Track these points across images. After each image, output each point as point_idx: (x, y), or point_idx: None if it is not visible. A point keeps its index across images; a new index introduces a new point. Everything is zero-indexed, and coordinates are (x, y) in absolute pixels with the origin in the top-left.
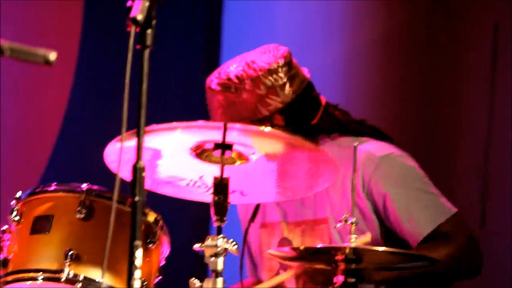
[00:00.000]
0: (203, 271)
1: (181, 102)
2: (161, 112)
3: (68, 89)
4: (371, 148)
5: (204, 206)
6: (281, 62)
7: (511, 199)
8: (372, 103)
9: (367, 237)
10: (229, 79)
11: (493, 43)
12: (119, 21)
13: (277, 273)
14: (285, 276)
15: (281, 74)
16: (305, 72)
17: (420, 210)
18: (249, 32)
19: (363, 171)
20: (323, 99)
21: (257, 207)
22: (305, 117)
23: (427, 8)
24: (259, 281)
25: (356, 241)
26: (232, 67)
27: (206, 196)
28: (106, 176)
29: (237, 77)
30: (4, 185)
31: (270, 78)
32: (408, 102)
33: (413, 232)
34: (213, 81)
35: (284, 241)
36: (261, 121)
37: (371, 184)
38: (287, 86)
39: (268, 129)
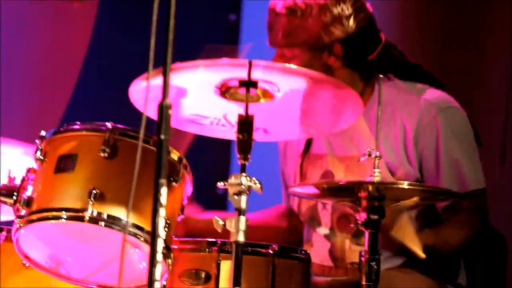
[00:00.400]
0: (223, 210)
1: (205, 41)
2: (184, 51)
3: (90, 27)
4: (431, 97)
5: (225, 145)
6: None
7: None
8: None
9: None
10: (295, 3)
11: None
12: None
13: (314, 206)
14: None
15: (348, 5)
16: (369, 6)
17: (464, 167)
18: None
19: (420, 119)
20: (383, 37)
21: (308, 141)
22: (364, 50)
23: None
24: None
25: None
26: None
27: (230, 134)
28: (129, 114)
29: (304, 2)
30: (28, 123)
31: (338, 7)
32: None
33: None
34: (278, 3)
35: (327, 174)
36: (321, 48)
37: (424, 134)
38: (352, 17)
39: (293, 66)
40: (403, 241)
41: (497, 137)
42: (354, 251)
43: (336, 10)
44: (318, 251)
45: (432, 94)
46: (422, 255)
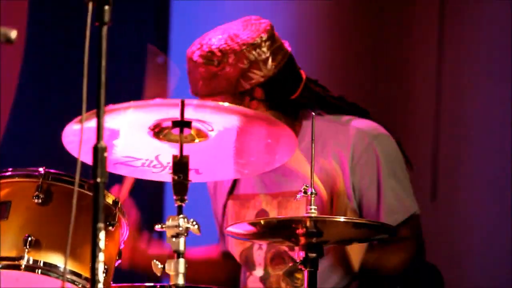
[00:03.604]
0: None
1: (134, 83)
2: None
3: (17, 70)
4: (361, 125)
5: (158, 187)
6: (264, 36)
7: (460, 173)
8: (323, 71)
9: None
10: (211, 52)
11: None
12: None
13: (250, 247)
14: None
15: (264, 49)
16: (287, 45)
17: (399, 194)
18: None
19: (354, 148)
20: (304, 74)
21: (235, 180)
22: (286, 91)
23: None
24: (228, 254)
25: None
26: (214, 39)
27: (162, 175)
28: (58, 159)
29: (220, 50)
30: None
31: (254, 52)
32: (357, 75)
33: (384, 216)
34: (195, 52)
35: (261, 213)
36: (241, 94)
37: (360, 163)
38: (270, 60)
39: (226, 104)
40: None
41: (426, 170)
42: None
43: (253, 56)
44: None
45: (361, 122)
46: (356, 268)
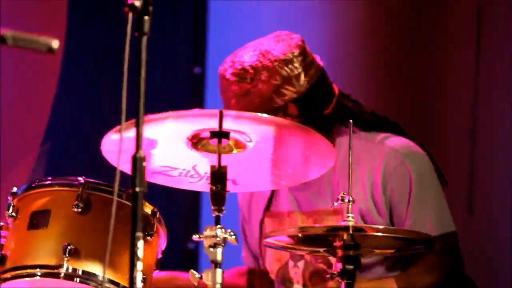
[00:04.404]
0: (194, 265)
1: (170, 94)
2: (149, 104)
3: (55, 79)
4: (395, 144)
5: (194, 197)
6: (296, 51)
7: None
8: (358, 85)
9: None
10: (244, 69)
11: (477, 24)
12: (106, 9)
13: (285, 264)
14: None
15: (296, 64)
16: (318, 59)
17: (431, 212)
18: (236, 17)
19: (386, 166)
20: (336, 88)
21: (272, 196)
22: (319, 106)
23: None
24: (264, 271)
25: None
26: (246, 56)
27: (198, 185)
28: (97, 168)
29: (252, 67)
30: None
31: (286, 68)
32: (394, 86)
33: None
34: (227, 70)
35: None
36: (275, 110)
37: (391, 180)
38: (302, 76)
39: (264, 114)
40: None
41: (463, 184)
42: None
43: (285, 72)
44: None
45: (395, 141)
46: None
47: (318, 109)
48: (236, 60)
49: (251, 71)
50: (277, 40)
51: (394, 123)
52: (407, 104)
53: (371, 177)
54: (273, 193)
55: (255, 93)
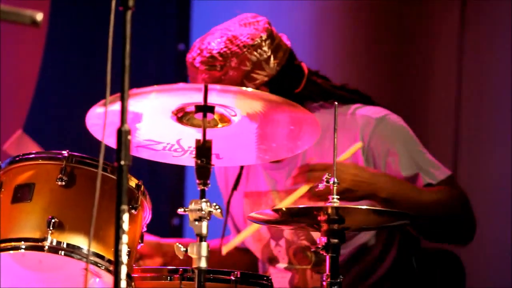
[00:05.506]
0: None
1: (155, 71)
2: (133, 80)
3: (40, 54)
4: (367, 112)
5: (178, 172)
6: (264, 35)
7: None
8: (343, 65)
9: (358, 144)
10: (213, 57)
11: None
12: None
13: (267, 243)
14: (302, 191)
15: (265, 48)
16: (285, 39)
17: (423, 163)
18: None
19: (363, 134)
20: (305, 67)
21: (239, 176)
22: (290, 86)
23: None
24: (246, 249)
25: (347, 150)
26: (214, 43)
27: (182, 159)
28: (81, 142)
29: (221, 55)
30: None
31: (255, 53)
32: (378, 70)
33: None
34: (195, 58)
35: None
36: None
37: (371, 145)
38: (272, 59)
39: (249, 89)
40: None
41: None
42: (316, 280)
43: (255, 57)
44: (278, 282)
45: (366, 109)
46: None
47: (289, 89)
48: (203, 48)
49: (220, 58)
50: (243, 24)
51: (366, 96)
52: (393, 90)
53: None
54: (241, 172)
55: (226, 80)
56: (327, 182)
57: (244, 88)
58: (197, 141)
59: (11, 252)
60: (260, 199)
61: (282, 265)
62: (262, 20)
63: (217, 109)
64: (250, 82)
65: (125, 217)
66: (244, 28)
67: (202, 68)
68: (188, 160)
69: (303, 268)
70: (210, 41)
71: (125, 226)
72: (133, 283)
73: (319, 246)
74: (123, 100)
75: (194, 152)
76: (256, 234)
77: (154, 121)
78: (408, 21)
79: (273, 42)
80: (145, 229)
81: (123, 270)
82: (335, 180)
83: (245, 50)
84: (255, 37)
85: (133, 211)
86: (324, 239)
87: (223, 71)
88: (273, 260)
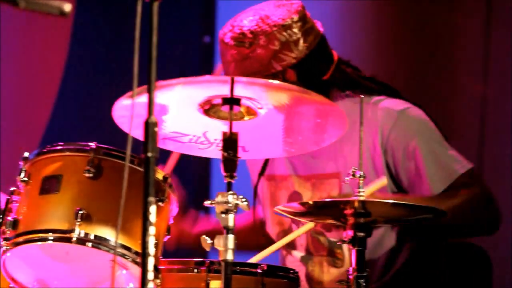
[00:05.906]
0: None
1: (180, 63)
2: (159, 72)
3: (67, 45)
4: (389, 104)
5: (204, 164)
6: (295, 17)
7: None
8: (368, 58)
9: (383, 180)
10: (243, 33)
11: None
12: None
13: (289, 228)
14: (299, 233)
15: (295, 30)
16: (319, 26)
17: (443, 157)
18: None
19: (383, 127)
20: (335, 55)
21: (267, 160)
22: (318, 72)
23: None
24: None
25: (372, 185)
26: (246, 21)
27: (208, 152)
28: (108, 134)
29: (251, 32)
30: (7, 146)
31: (284, 33)
32: (404, 70)
33: (435, 179)
34: (226, 34)
35: (295, 195)
36: (273, 76)
37: (390, 138)
38: (301, 41)
39: (276, 82)
40: None
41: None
42: (331, 274)
43: (284, 37)
44: None
45: (388, 101)
46: None
47: (316, 75)
48: (235, 25)
49: (249, 35)
50: (277, 6)
51: (395, 90)
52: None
53: (369, 140)
54: (267, 160)
55: (254, 57)
56: (353, 175)
57: (270, 80)
58: (224, 133)
59: (39, 243)
60: (282, 184)
61: (298, 253)
62: (296, 3)
63: (243, 101)
64: (278, 63)
65: (152, 209)
66: (278, 9)
67: (231, 44)
68: (214, 152)
69: (320, 256)
70: (243, 18)
71: (152, 218)
72: (160, 275)
73: (345, 239)
74: (150, 91)
75: (220, 145)
76: (276, 218)
77: (181, 113)
78: (434, 21)
79: (304, 25)
80: (172, 221)
81: (150, 261)
82: (362, 174)
83: (275, 29)
84: (286, 17)
85: (159, 203)
86: (350, 233)
87: (251, 48)
88: (289, 246)
